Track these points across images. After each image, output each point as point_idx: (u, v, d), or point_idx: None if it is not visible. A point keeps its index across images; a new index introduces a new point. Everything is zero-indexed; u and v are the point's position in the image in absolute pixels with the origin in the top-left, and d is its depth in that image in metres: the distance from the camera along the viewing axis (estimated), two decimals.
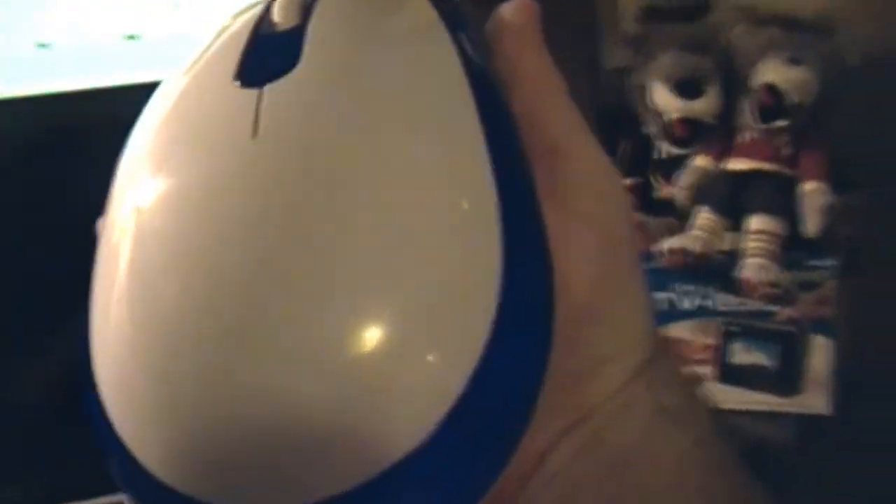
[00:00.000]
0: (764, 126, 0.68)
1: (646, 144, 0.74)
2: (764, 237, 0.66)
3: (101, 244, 0.19)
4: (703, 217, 0.69)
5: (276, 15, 0.20)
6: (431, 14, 0.20)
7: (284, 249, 0.16)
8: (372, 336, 0.15)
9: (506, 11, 0.22)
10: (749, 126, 0.69)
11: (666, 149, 0.73)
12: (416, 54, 0.19)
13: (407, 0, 0.20)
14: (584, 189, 0.20)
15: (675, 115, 0.70)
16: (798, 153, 0.69)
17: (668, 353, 0.22)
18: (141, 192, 0.18)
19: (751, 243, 0.66)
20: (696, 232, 0.68)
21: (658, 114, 0.71)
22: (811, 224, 0.66)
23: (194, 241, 0.16)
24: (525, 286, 0.17)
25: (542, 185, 0.19)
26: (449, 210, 0.17)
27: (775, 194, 0.68)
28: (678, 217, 0.71)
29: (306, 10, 0.19)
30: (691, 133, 0.70)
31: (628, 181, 0.72)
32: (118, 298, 0.17)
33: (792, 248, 0.66)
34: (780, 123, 0.67)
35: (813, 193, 0.67)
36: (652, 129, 0.73)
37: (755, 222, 0.67)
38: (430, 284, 0.16)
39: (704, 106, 0.70)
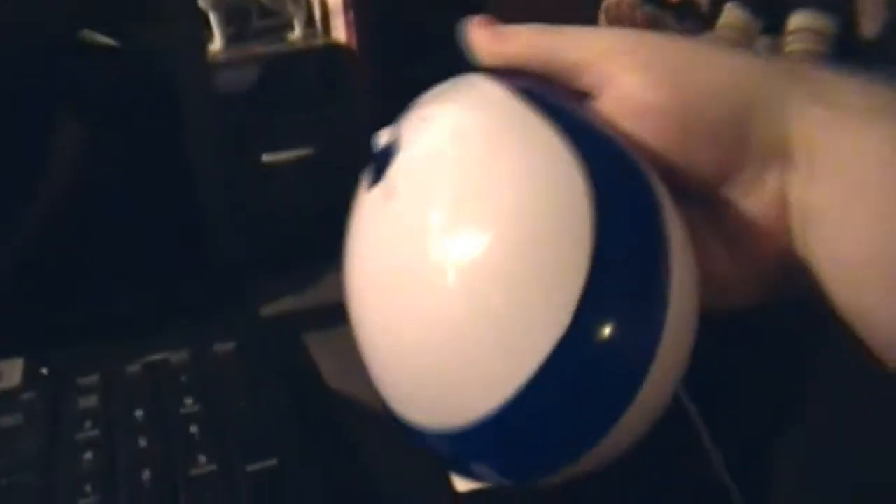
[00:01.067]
0: None
1: None
2: (807, 37, 0.56)
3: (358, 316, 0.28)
4: (731, 13, 0.58)
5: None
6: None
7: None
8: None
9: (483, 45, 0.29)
10: None
11: None
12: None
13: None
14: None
15: None
16: None
17: None
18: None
19: (792, 45, 0.56)
20: (722, 31, 0.58)
21: None
22: (869, 22, 0.55)
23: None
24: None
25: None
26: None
27: None
28: (701, 22, 0.61)
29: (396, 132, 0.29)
30: None
31: None
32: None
33: (844, 54, 0.56)
34: None
35: None
36: None
37: (796, 20, 0.56)
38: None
39: None
